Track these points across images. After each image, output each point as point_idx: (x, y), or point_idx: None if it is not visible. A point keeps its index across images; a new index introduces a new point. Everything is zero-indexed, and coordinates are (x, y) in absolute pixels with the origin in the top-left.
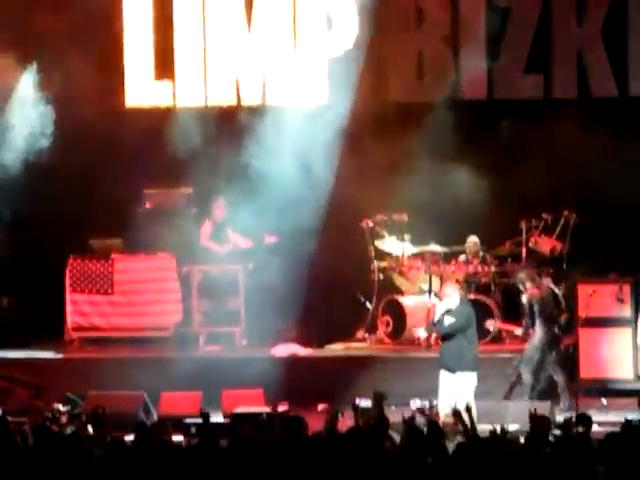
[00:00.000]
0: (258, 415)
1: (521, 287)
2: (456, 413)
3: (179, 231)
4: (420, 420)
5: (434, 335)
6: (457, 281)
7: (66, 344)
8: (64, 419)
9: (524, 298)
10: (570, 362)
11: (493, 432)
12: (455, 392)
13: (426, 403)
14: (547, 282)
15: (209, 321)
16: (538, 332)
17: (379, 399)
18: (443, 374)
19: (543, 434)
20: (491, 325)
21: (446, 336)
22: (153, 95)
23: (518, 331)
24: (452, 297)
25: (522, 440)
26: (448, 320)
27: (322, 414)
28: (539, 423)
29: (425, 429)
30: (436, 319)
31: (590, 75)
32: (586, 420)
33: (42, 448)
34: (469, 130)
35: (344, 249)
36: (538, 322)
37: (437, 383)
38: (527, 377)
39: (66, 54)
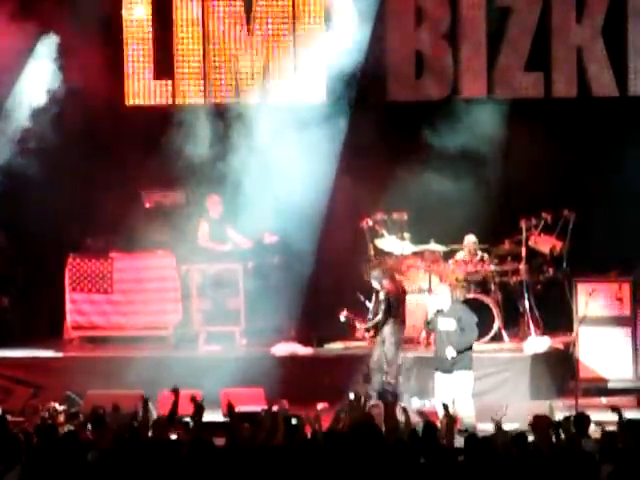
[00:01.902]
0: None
1: (376, 284)
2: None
3: (178, 230)
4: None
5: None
6: (457, 280)
7: (66, 343)
8: (61, 418)
9: (382, 295)
10: (570, 361)
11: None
12: (452, 392)
13: (425, 402)
14: (401, 282)
15: (209, 320)
16: (390, 330)
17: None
18: (439, 376)
19: (544, 434)
20: (342, 315)
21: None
22: (153, 94)
23: (363, 325)
24: (442, 297)
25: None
26: (442, 322)
27: (322, 413)
28: (540, 423)
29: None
30: (429, 318)
31: (590, 74)
32: (584, 420)
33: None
34: (468, 129)
35: (344, 248)
36: (391, 320)
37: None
38: (378, 378)
39: (66, 53)
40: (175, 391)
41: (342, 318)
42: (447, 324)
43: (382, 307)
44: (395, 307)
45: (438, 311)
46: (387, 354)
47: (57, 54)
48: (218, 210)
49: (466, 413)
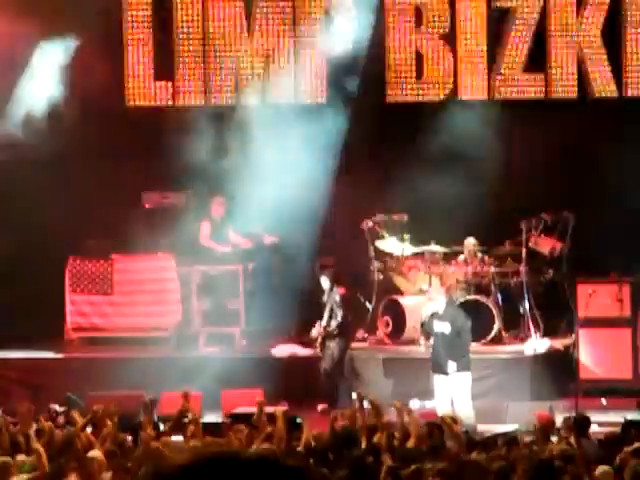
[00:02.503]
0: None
1: (327, 284)
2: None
3: (178, 231)
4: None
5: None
6: (457, 281)
7: (66, 344)
8: (61, 420)
9: (337, 297)
10: (570, 362)
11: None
12: (451, 393)
13: (425, 404)
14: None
15: (209, 321)
16: (340, 335)
17: (361, 400)
18: (437, 378)
19: (546, 435)
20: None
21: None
22: (153, 95)
23: (320, 330)
24: (437, 301)
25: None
26: (437, 324)
27: (322, 413)
28: (544, 424)
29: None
30: (422, 320)
31: (590, 74)
32: (585, 420)
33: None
34: (468, 130)
35: (344, 249)
36: (342, 323)
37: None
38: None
39: (66, 54)
40: (185, 395)
41: (314, 333)
42: (442, 327)
43: (339, 311)
44: (347, 312)
45: (433, 314)
46: (335, 356)
47: (58, 55)
48: (221, 212)
49: (466, 414)
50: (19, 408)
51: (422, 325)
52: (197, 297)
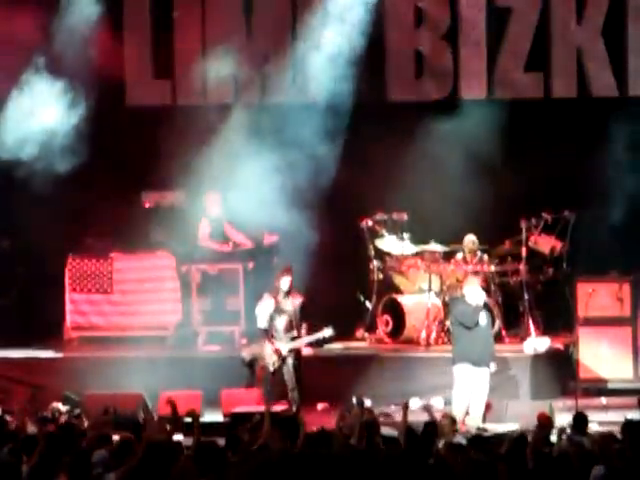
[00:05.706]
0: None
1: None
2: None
3: (178, 230)
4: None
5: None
6: (457, 280)
7: (65, 343)
8: (63, 419)
9: (298, 302)
10: (570, 361)
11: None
12: (474, 390)
13: (431, 401)
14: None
15: (209, 320)
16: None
17: (360, 403)
18: (463, 368)
19: (546, 434)
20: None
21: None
22: (153, 94)
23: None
24: (477, 291)
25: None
26: (482, 316)
27: (322, 413)
28: (544, 423)
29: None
30: (466, 318)
31: (590, 74)
32: (583, 420)
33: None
34: (468, 129)
35: (344, 248)
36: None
37: (436, 382)
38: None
39: (64, 53)
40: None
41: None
42: (484, 318)
43: (298, 317)
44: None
45: (475, 306)
46: (294, 369)
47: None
48: (217, 208)
49: (477, 413)
50: (16, 406)
51: (461, 319)
52: (197, 296)
